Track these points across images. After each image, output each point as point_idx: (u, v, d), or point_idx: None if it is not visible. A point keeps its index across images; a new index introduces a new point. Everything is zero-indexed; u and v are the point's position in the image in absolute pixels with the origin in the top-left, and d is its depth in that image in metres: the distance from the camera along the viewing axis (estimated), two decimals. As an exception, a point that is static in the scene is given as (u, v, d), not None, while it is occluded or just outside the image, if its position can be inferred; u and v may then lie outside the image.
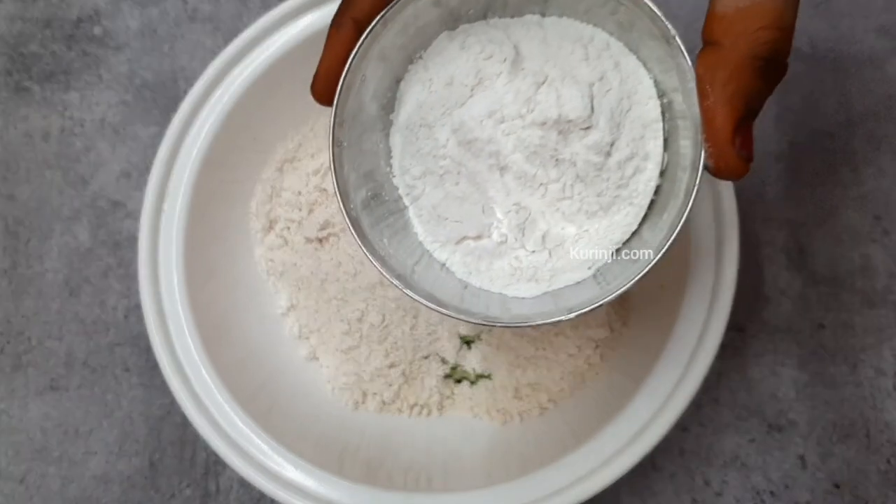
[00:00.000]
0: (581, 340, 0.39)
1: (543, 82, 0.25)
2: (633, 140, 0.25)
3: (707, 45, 0.22)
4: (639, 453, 0.34)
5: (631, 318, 0.40)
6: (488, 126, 0.25)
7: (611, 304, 0.39)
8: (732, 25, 0.21)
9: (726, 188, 0.35)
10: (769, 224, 0.45)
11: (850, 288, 0.44)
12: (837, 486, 0.42)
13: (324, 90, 0.24)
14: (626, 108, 0.25)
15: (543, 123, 0.25)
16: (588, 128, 0.25)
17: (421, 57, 0.26)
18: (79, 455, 0.44)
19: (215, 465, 0.43)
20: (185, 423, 0.43)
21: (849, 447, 0.43)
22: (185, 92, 0.38)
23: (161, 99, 0.46)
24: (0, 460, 0.43)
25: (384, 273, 0.25)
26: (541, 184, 0.26)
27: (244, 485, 0.43)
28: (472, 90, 0.26)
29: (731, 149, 0.21)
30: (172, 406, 0.43)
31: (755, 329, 0.44)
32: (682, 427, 0.43)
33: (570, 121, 0.25)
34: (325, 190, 0.41)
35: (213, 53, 0.38)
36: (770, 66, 0.21)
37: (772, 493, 0.42)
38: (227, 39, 0.42)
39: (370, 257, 0.25)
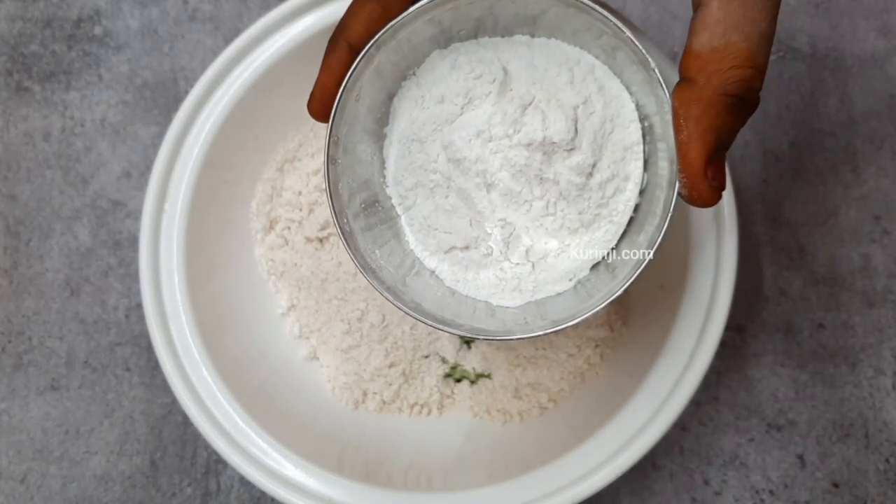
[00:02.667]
0: (581, 340, 0.40)
1: (530, 104, 0.26)
2: (614, 162, 0.26)
3: (683, 81, 0.23)
4: (638, 452, 0.34)
5: (631, 317, 0.40)
6: (476, 145, 0.26)
7: (610, 303, 0.40)
8: (707, 64, 0.22)
9: (725, 189, 0.35)
10: (769, 224, 0.45)
11: (850, 288, 0.44)
12: (836, 486, 0.42)
13: (319, 109, 0.26)
14: (609, 130, 0.26)
15: (529, 144, 0.26)
16: (572, 149, 0.26)
17: (414, 74, 0.27)
18: (80, 455, 0.44)
19: (216, 463, 0.43)
20: (185, 423, 0.43)
21: (848, 447, 0.43)
22: (186, 92, 0.38)
23: (161, 99, 0.46)
24: (1, 460, 0.44)
25: (375, 286, 0.26)
26: (525, 201, 0.27)
27: (245, 483, 0.43)
28: (461, 109, 0.27)
29: (704, 181, 0.22)
30: (173, 405, 0.44)
31: (755, 329, 0.44)
32: (681, 426, 0.43)
33: (554, 143, 0.26)
34: (325, 190, 0.41)
35: (214, 53, 0.38)
36: (741, 102, 0.22)
37: (771, 492, 0.42)
38: (228, 39, 0.42)
39: (362, 271, 0.26)
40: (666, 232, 0.24)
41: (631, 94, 0.26)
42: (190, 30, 0.47)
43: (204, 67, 0.38)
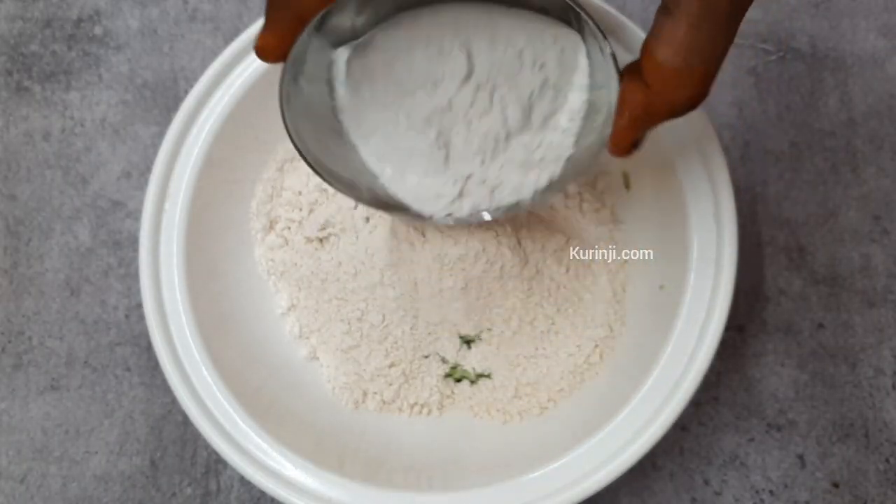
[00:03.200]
0: (581, 340, 0.40)
1: (492, 92, 0.29)
2: (557, 130, 0.30)
3: (638, 77, 0.24)
4: (639, 452, 0.34)
5: (630, 317, 0.40)
6: (435, 121, 0.29)
7: (610, 303, 0.40)
8: (664, 78, 0.24)
9: (725, 188, 0.35)
10: (769, 224, 0.45)
11: (850, 288, 0.44)
12: (836, 486, 0.42)
13: (274, 56, 0.27)
14: (561, 104, 0.29)
15: (486, 133, 0.29)
16: (523, 130, 0.29)
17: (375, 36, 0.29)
18: (80, 454, 0.44)
19: (216, 463, 0.43)
20: (185, 423, 0.43)
21: (848, 447, 0.43)
22: (186, 92, 0.38)
23: (161, 99, 0.46)
24: (1, 460, 0.44)
25: (308, 160, 0.30)
26: (477, 160, 0.31)
27: (245, 483, 0.43)
28: (422, 88, 0.29)
29: (624, 153, 0.26)
30: (173, 405, 0.44)
31: (755, 329, 0.44)
32: (681, 426, 0.43)
33: (510, 132, 0.29)
34: (325, 190, 0.41)
35: (214, 53, 0.38)
36: (678, 116, 0.25)
37: (771, 492, 0.42)
38: (228, 39, 0.42)
39: (293, 140, 0.29)
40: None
41: (587, 43, 0.28)
42: (190, 30, 0.47)
43: (204, 67, 0.38)
